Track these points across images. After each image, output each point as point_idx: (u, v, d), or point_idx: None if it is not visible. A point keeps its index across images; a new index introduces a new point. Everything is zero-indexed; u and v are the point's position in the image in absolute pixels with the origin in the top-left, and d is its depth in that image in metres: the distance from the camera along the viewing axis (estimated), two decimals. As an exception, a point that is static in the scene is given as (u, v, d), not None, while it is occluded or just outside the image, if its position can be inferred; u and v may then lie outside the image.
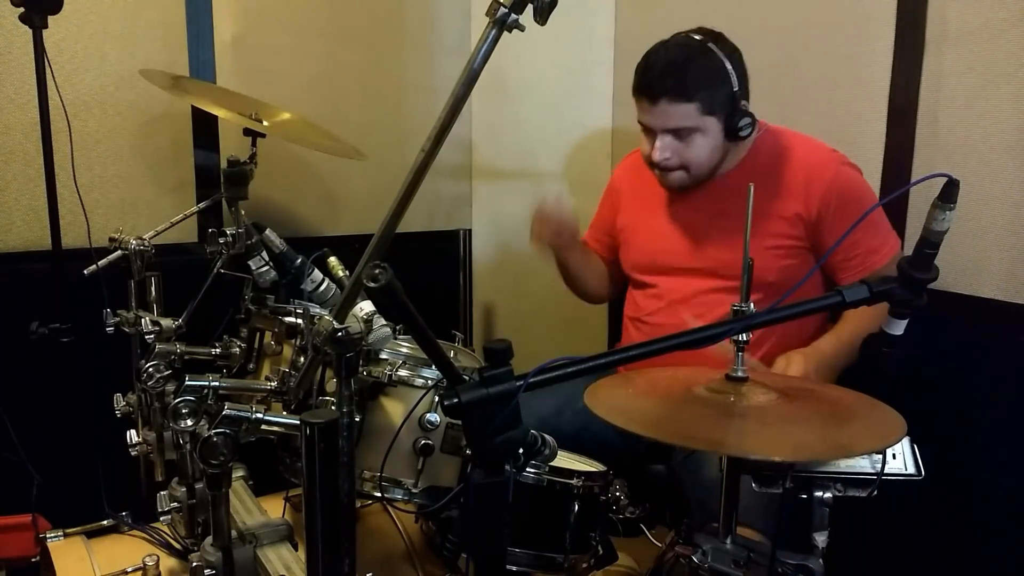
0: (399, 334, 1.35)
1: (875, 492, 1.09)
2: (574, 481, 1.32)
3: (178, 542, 1.47)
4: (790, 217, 1.61)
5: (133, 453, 1.53)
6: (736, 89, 1.57)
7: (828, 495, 1.10)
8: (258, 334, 1.53)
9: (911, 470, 1.11)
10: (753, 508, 1.24)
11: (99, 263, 1.53)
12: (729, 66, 1.56)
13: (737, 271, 1.62)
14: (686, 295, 1.72)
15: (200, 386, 1.25)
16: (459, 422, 0.95)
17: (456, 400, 0.81)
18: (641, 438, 1.00)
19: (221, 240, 1.47)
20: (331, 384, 1.23)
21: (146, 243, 1.53)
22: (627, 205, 1.89)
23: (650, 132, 1.63)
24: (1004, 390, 1.61)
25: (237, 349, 1.55)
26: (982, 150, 1.62)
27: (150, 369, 1.40)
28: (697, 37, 1.59)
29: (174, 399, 1.22)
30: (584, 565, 1.37)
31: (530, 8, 0.92)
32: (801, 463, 1.08)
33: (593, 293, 1.99)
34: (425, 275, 2.49)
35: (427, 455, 1.28)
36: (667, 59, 1.55)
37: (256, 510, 1.36)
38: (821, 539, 1.10)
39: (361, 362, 1.24)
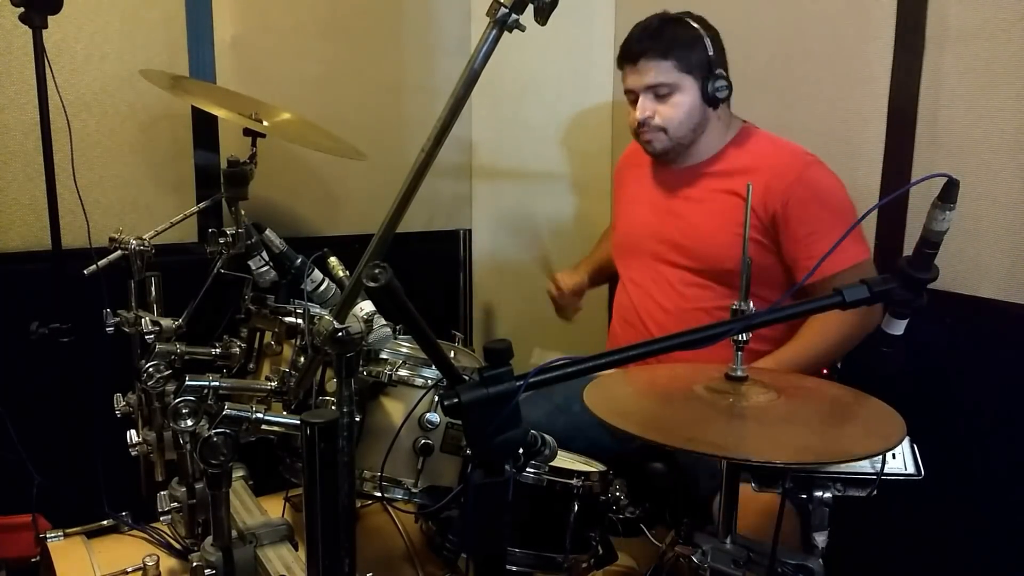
0: (399, 334, 1.35)
1: (875, 492, 1.09)
2: (574, 481, 1.32)
3: (178, 542, 1.47)
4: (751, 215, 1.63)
5: (133, 453, 1.53)
6: (711, 55, 1.66)
7: (828, 495, 1.10)
8: (258, 334, 1.53)
9: (911, 470, 1.11)
10: None
11: (99, 263, 1.53)
12: (704, 34, 1.67)
13: (697, 255, 1.71)
14: (654, 279, 1.80)
15: (200, 386, 1.25)
16: (459, 422, 0.95)
17: (456, 400, 0.81)
18: (635, 439, 1.00)
19: (221, 240, 1.47)
20: (331, 384, 1.23)
21: (146, 243, 1.53)
22: (621, 187, 2.00)
23: (634, 98, 1.73)
24: (1004, 390, 1.61)
25: (237, 349, 1.54)
26: (982, 150, 1.62)
27: (150, 369, 1.40)
28: (672, 12, 1.71)
29: (174, 399, 1.22)
30: (584, 565, 1.37)
31: (530, 8, 0.92)
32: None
33: None
34: (425, 275, 2.49)
35: (427, 455, 1.28)
36: (643, 26, 1.70)
37: (256, 510, 1.37)
38: (821, 539, 1.10)
39: (361, 362, 1.24)
